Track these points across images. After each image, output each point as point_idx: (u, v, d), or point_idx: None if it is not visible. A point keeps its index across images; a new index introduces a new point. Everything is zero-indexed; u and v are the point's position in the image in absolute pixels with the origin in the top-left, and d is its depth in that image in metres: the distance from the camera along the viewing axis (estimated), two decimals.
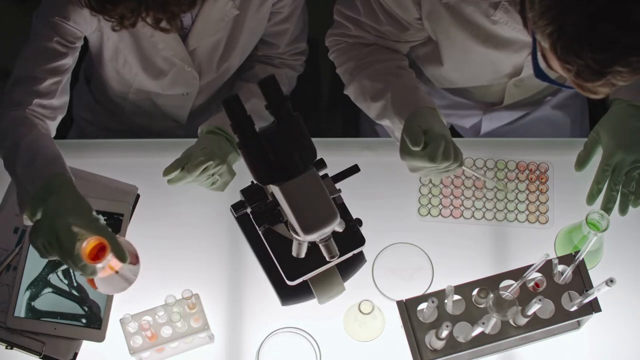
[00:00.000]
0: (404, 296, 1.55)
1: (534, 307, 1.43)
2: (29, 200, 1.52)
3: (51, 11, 1.65)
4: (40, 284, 1.70)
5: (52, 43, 1.66)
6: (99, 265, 1.45)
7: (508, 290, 1.49)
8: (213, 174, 1.69)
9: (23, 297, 1.69)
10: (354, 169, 1.56)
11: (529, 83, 1.84)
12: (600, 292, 1.45)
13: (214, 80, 1.89)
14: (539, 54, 1.39)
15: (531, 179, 1.80)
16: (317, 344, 1.65)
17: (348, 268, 1.63)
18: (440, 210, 1.78)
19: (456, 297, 1.53)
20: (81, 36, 1.70)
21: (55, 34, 1.66)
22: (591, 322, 1.62)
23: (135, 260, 1.55)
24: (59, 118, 1.72)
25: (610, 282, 1.39)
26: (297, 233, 1.41)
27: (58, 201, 1.50)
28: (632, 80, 1.31)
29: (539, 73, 1.45)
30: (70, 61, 1.70)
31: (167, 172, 1.66)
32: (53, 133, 1.71)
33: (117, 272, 1.51)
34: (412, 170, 1.62)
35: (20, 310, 1.68)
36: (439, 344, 1.50)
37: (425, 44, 1.81)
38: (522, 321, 1.52)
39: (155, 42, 1.74)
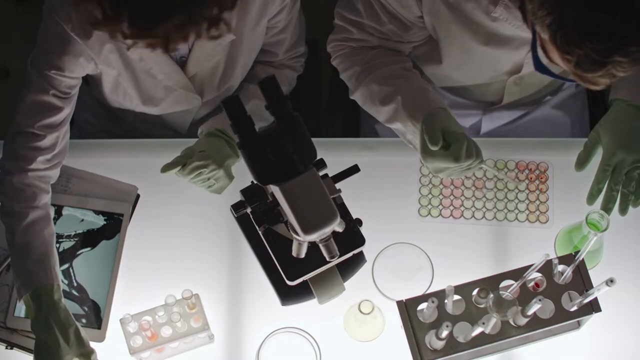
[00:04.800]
0: (404, 296, 1.55)
1: (534, 307, 1.43)
2: (19, 297, 1.63)
3: (45, 64, 1.64)
4: None
5: (48, 97, 1.66)
6: None
7: (508, 290, 1.49)
8: (209, 178, 1.69)
9: None
10: (354, 169, 1.56)
11: (529, 81, 1.84)
12: (600, 292, 1.45)
13: (216, 98, 1.88)
14: (539, 48, 1.39)
15: (531, 178, 1.80)
16: (317, 344, 1.65)
17: (348, 268, 1.63)
18: (441, 210, 1.78)
19: (456, 297, 1.53)
20: (77, 84, 1.70)
21: (51, 87, 1.65)
22: (591, 322, 1.62)
23: None
24: (62, 163, 1.74)
25: (610, 282, 1.39)
26: (297, 233, 1.41)
27: (45, 327, 1.59)
28: (633, 71, 1.31)
29: (539, 66, 1.45)
30: (67, 111, 1.70)
31: (164, 169, 1.67)
32: (55, 178, 1.73)
33: None
34: (436, 171, 1.62)
35: (21, 310, 1.68)
36: (439, 344, 1.50)
37: (424, 43, 1.81)
38: (522, 321, 1.52)
39: (155, 74, 1.72)
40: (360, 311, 1.57)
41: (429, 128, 1.58)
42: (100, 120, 2.04)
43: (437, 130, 1.56)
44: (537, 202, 1.78)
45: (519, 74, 1.79)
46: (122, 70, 1.71)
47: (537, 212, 1.77)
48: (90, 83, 1.90)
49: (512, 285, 1.50)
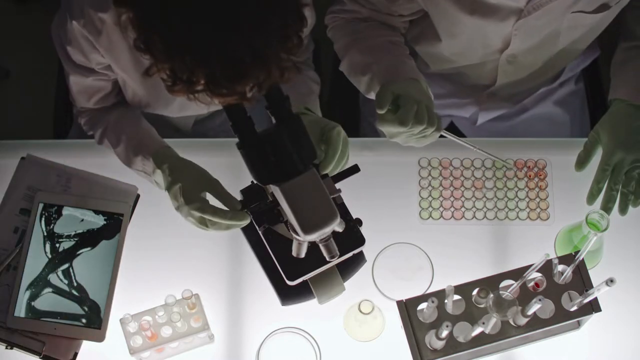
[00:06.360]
0: (404, 296, 1.55)
1: (534, 307, 1.43)
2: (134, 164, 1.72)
3: (71, 72, 1.70)
4: (40, 284, 1.70)
5: (86, 80, 1.70)
6: None
7: (508, 290, 1.49)
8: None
9: (23, 297, 1.69)
10: (354, 169, 1.56)
11: (522, 60, 1.82)
12: (600, 292, 1.45)
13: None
14: None
15: (530, 176, 1.80)
16: (317, 344, 1.65)
17: (348, 268, 1.63)
18: (442, 212, 1.78)
19: (456, 297, 1.53)
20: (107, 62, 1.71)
21: (87, 73, 1.69)
22: (591, 322, 1.62)
23: None
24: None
25: (610, 282, 1.39)
26: (297, 233, 1.41)
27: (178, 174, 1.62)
28: None
29: None
30: (112, 83, 1.74)
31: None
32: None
33: None
34: (390, 136, 1.61)
35: (20, 310, 1.68)
36: (439, 344, 1.50)
37: (419, 22, 1.81)
38: (522, 321, 1.52)
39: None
40: (360, 311, 1.57)
41: (381, 92, 1.57)
42: None
43: (388, 94, 1.55)
44: (538, 200, 1.78)
45: (510, 51, 1.78)
46: (132, 71, 1.70)
47: (538, 210, 1.77)
48: None
49: (512, 285, 1.50)
